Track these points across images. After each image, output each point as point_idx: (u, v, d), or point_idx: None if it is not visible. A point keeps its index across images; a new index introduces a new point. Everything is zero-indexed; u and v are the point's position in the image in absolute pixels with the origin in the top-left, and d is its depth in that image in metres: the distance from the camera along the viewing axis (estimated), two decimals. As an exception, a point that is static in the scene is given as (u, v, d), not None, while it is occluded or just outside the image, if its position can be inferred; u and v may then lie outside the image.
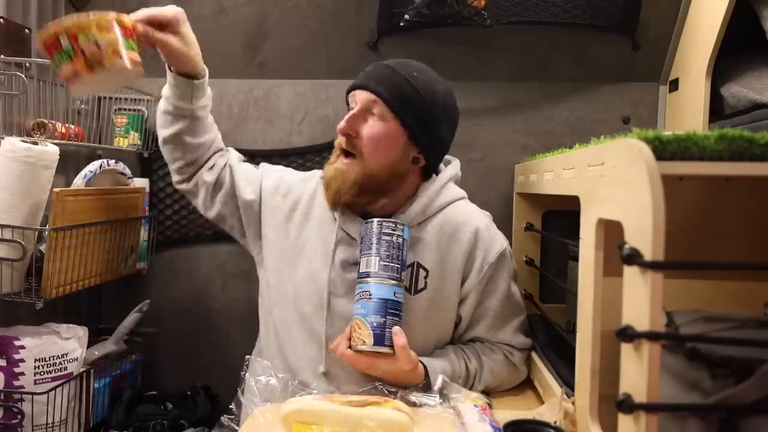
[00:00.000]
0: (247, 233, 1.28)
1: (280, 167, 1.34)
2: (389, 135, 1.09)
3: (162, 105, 1.21)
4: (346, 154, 1.13)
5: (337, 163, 1.14)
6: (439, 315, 1.16)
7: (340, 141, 1.13)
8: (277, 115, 1.63)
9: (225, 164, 1.28)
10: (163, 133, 1.23)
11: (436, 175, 1.21)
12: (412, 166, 1.13)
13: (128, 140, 1.59)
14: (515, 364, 1.20)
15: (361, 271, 1.08)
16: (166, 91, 1.20)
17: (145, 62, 1.18)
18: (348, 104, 1.15)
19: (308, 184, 1.25)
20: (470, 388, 1.13)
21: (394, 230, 1.07)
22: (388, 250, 1.06)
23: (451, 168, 1.24)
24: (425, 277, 1.14)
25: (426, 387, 1.08)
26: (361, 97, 1.10)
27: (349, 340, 1.06)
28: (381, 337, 1.03)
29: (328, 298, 1.13)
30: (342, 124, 1.10)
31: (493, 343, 1.20)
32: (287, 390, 1.05)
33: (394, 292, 1.05)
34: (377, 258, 1.05)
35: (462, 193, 1.23)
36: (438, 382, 1.04)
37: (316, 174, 1.27)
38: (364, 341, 1.04)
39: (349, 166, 1.11)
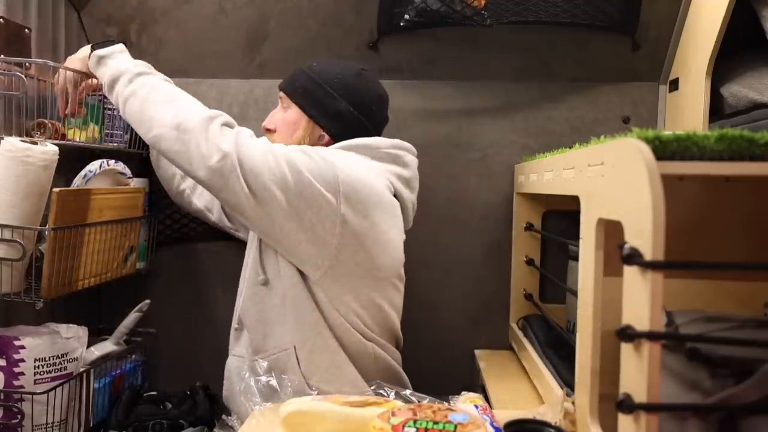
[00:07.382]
0: None
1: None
2: (290, 120, 1.30)
3: None
4: None
5: None
6: None
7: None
8: (277, 115, 1.63)
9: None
10: None
11: None
12: (318, 142, 1.29)
13: (86, 133, 1.36)
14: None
15: None
16: None
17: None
18: None
19: None
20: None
21: None
22: None
23: (358, 140, 1.25)
24: None
25: None
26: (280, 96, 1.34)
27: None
28: None
29: None
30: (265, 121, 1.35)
31: None
32: (288, 390, 1.05)
33: None
34: None
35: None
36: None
37: None
38: None
39: None
